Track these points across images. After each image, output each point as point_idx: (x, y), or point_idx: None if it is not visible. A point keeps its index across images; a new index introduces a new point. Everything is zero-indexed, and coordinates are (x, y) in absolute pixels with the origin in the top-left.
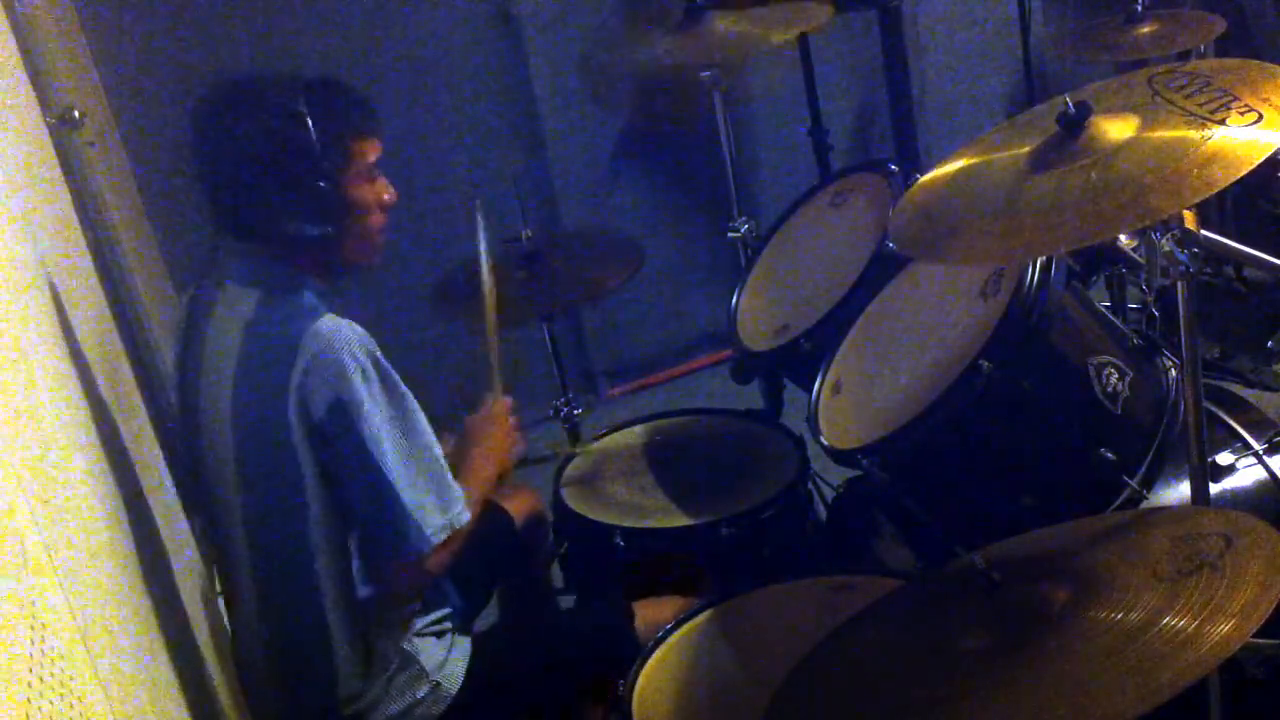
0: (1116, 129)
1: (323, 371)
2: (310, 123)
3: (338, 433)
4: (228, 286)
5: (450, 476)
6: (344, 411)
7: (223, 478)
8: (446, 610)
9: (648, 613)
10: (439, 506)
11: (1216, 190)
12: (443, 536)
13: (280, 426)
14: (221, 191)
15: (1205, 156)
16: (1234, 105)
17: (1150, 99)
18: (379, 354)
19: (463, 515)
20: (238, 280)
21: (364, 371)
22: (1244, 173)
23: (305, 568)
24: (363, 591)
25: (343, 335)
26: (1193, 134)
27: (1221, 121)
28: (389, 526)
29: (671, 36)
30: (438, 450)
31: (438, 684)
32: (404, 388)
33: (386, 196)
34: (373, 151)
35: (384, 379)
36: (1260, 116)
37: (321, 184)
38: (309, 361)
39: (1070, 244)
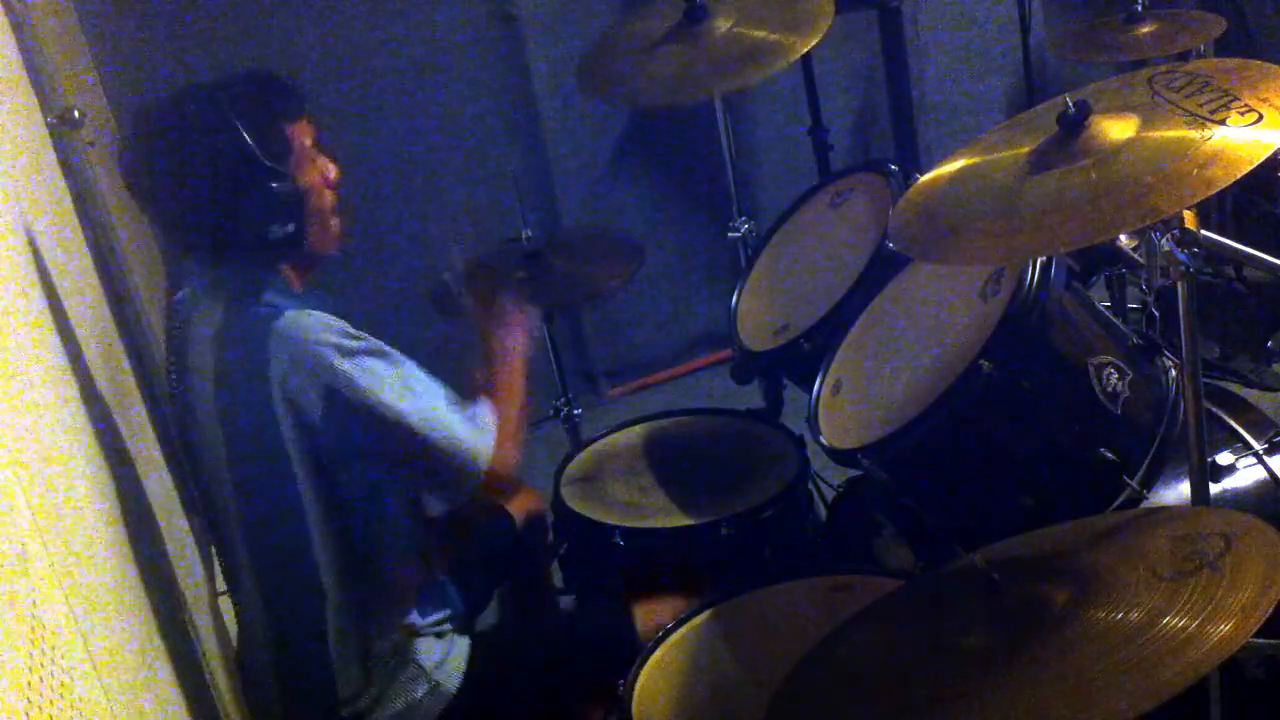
0: (1116, 129)
1: (302, 368)
2: (241, 126)
3: (345, 416)
4: (199, 297)
5: (459, 402)
6: (339, 395)
7: (219, 483)
8: (446, 612)
9: (647, 613)
10: (470, 429)
11: (1216, 190)
12: (488, 450)
13: (269, 435)
14: (176, 220)
15: (1205, 156)
16: (1234, 105)
17: (1150, 99)
18: (348, 327)
19: (488, 421)
20: (204, 292)
21: (340, 349)
22: (1244, 173)
23: (305, 570)
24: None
25: (305, 326)
26: (1193, 134)
27: (1221, 121)
28: (440, 470)
29: (672, 44)
30: (439, 386)
31: (437, 684)
32: (386, 347)
33: (331, 174)
34: (307, 133)
35: (363, 348)
36: (1260, 116)
37: (274, 184)
38: (285, 364)
39: (1070, 244)
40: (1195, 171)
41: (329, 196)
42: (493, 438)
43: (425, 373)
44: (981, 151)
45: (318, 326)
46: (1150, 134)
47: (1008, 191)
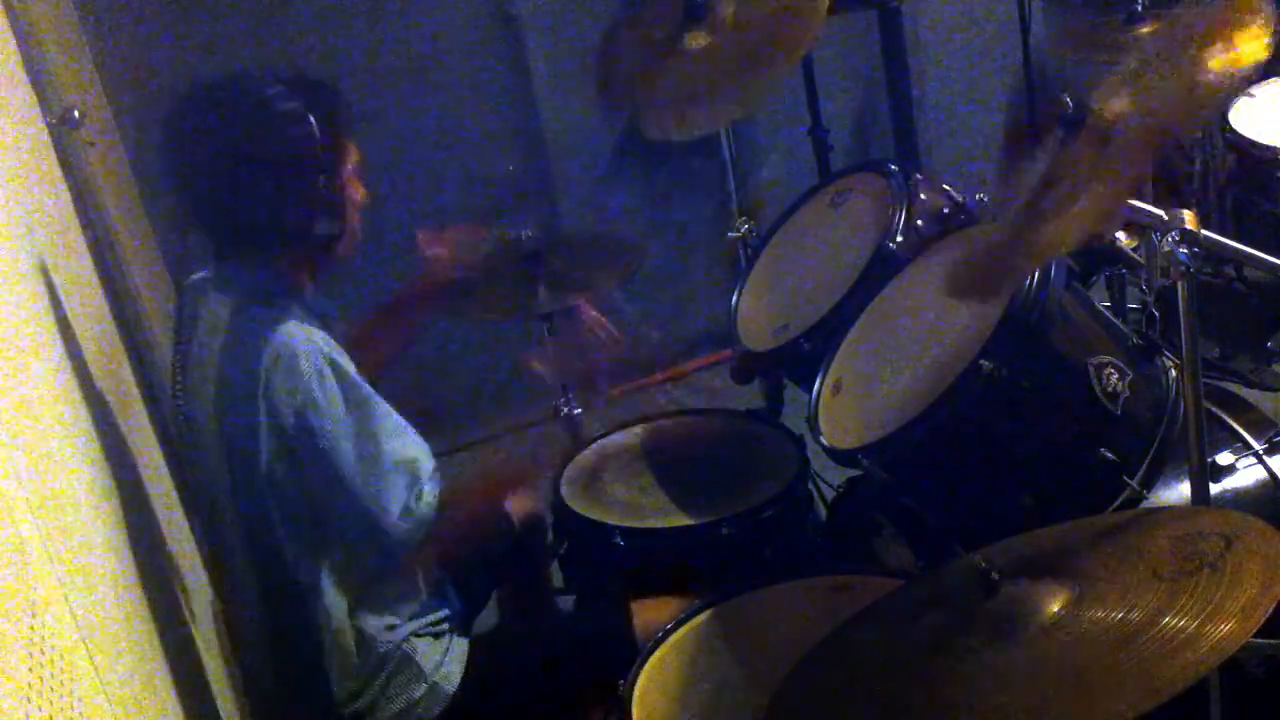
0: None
1: (283, 378)
2: (312, 121)
3: (301, 437)
4: (210, 294)
5: (411, 470)
6: (305, 416)
7: (218, 481)
8: (445, 612)
9: (646, 614)
10: (398, 499)
11: None
12: (404, 525)
13: (257, 435)
14: (222, 202)
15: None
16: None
17: None
18: (337, 356)
19: (429, 503)
20: (217, 288)
21: (320, 375)
22: None
23: (300, 570)
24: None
25: (299, 341)
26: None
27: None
28: (358, 522)
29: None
30: (396, 444)
31: (435, 684)
32: (365, 390)
33: (362, 198)
34: (355, 153)
35: (341, 381)
36: None
37: (325, 181)
38: (270, 370)
39: None
40: None
41: (358, 217)
42: (426, 527)
43: (394, 427)
44: None
45: (310, 348)
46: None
47: None
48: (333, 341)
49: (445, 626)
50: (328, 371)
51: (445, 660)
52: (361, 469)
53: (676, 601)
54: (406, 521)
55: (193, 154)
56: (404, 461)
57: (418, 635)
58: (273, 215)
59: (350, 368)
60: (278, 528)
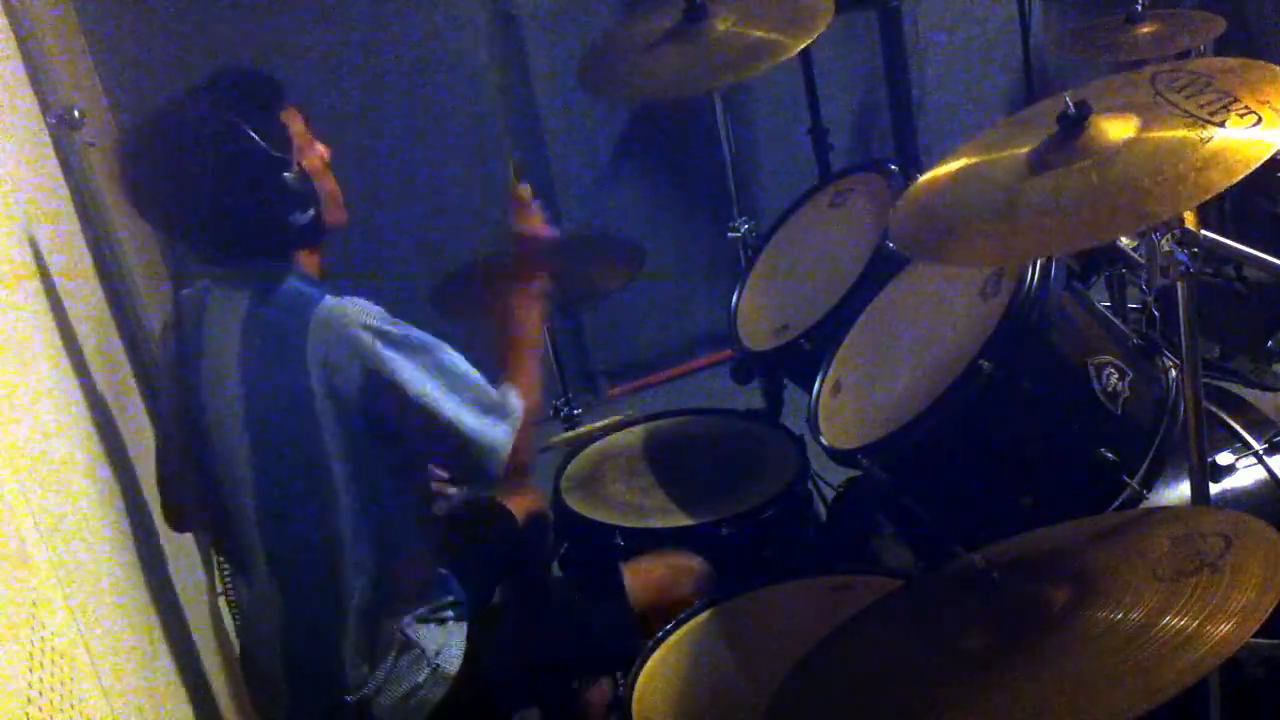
0: (1116, 129)
1: (342, 352)
2: (244, 124)
3: (384, 400)
4: (214, 290)
5: (492, 390)
6: (379, 379)
7: (234, 474)
8: (449, 598)
9: (637, 576)
10: (499, 419)
11: (1213, 194)
12: (510, 441)
13: (303, 413)
14: (195, 230)
15: (1204, 159)
16: (1234, 107)
17: (1152, 98)
18: (385, 313)
19: (517, 411)
20: (223, 282)
21: (380, 334)
22: (1242, 176)
23: (328, 557)
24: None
25: (346, 311)
26: (1192, 135)
27: (1221, 123)
28: (466, 457)
29: (672, 43)
30: (474, 374)
31: (437, 667)
32: (420, 333)
33: (325, 155)
34: (297, 119)
35: (401, 333)
36: (1260, 119)
37: (286, 175)
38: (326, 348)
39: (1068, 246)
40: (1193, 175)
41: (329, 177)
42: (513, 431)
43: (460, 358)
44: (981, 151)
45: (360, 312)
46: (1150, 135)
47: (1007, 192)
48: (368, 302)
49: (449, 614)
50: (384, 327)
51: (446, 644)
52: (456, 406)
53: (668, 559)
54: (510, 437)
55: (150, 197)
56: (484, 388)
57: (422, 621)
58: (255, 223)
59: (390, 315)
60: (312, 509)
